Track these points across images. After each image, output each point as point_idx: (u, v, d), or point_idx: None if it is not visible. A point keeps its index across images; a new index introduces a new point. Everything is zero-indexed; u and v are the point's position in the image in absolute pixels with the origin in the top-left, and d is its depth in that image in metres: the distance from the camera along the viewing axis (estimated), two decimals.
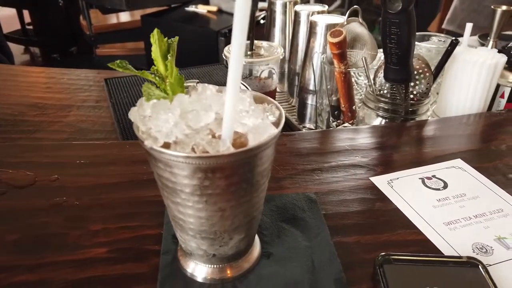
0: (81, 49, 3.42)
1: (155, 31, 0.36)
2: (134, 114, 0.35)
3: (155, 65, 0.37)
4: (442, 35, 1.00)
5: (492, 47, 1.03)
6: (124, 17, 2.88)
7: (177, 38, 0.38)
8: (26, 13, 3.50)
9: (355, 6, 0.85)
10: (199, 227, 0.37)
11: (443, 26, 2.03)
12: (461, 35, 0.89)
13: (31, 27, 3.57)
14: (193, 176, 0.33)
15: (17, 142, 0.82)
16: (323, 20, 0.93)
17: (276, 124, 0.36)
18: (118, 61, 0.36)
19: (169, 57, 0.37)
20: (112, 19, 2.89)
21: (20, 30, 3.57)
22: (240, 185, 0.35)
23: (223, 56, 0.90)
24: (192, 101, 0.36)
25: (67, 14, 3.25)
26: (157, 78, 0.37)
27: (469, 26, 0.77)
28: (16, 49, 3.69)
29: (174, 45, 0.37)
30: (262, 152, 0.34)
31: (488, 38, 1.04)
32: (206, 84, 0.39)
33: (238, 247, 0.40)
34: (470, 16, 1.89)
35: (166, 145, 0.33)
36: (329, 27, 0.91)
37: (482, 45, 1.27)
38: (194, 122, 0.34)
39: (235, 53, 0.30)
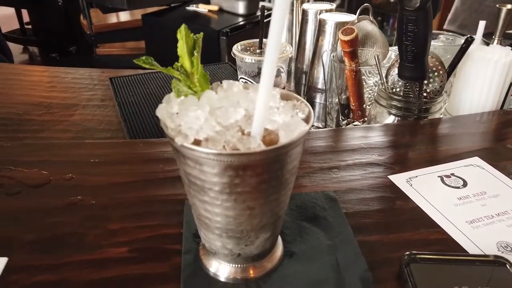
0: (80, 49, 3.41)
1: (183, 26, 0.35)
2: (162, 111, 0.34)
3: (178, 62, 0.37)
4: (450, 33, 1.00)
5: None
6: (125, 16, 2.87)
7: (201, 34, 0.37)
8: (25, 12, 3.49)
9: (366, 5, 0.84)
10: (226, 226, 0.36)
11: (445, 27, 2.02)
12: (463, 35, 0.88)
13: (29, 26, 3.56)
14: (224, 173, 0.32)
15: (23, 141, 0.81)
16: (333, 18, 0.92)
17: (306, 121, 0.35)
18: (144, 57, 0.36)
19: (195, 53, 0.36)
20: (113, 18, 2.88)
21: (18, 30, 3.55)
22: (270, 182, 0.34)
23: (232, 55, 0.89)
24: (220, 98, 0.35)
25: (66, 14, 3.24)
26: (182, 74, 0.37)
27: (482, 23, 0.76)
28: (14, 48, 3.67)
29: (199, 41, 0.36)
30: (292, 150, 0.33)
31: (493, 37, 1.04)
32: (231, 81, 0.38)
33: (263, 246, 0.40)
34: (471, 17, 1.89)
35: (196, 143, 0.32)
36: (339, 25, 0.90)
37: (487, 44, 1.27)
38: (223, 119, 0.33)
39: (271, 47, 0.30)
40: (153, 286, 0.41)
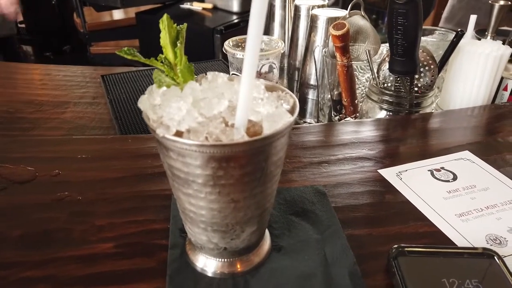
0: (74, 48, 3.39)
1: (165, 16, 0.35)
2: (144, 102, 0.34)
3: (162, 53, 0.36)
4: (443, 29, 1.00)
5: None
6: (118, 14, 2.85)
7: (185, 25, 0.37)
8: None
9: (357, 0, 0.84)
10: (211, 219, 0.36)
11: (440, 25, 2.02)
12: None
13: (23, 25, 3.53)
14: (207, 165, 0.32)
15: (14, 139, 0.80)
16: (324, 13, 0.92)
17: (290, 112, 0.35)
18: (125, 48, 0.35)
19: (178, 44, 0.35)
20: (106, 16, 2.86)
21: None
22: (254, 175, 0.34)
23: (224, 51, 0.89)
24: (204, 89, 0.35)
25: (60, 13, 3.22)
26: (165, 66, 0.36)
27: (473, 18, 0.76)
28: None
29: (183, 32, 0.36)
30: (277, 141, 0.33)
31: (486, 33, 1.04)
32: (216, 72, 0.37)
33: (249, 240, 0.39)
34: (469, 14, 1.89)
35: (178, 134, 0.32)
36: (331, 20, 0.90)
37: (479, 40, 1.27)
38: (207, 110, 0.33)
39: (252, 38, 0.29)
40: (140, 282, 0.40)
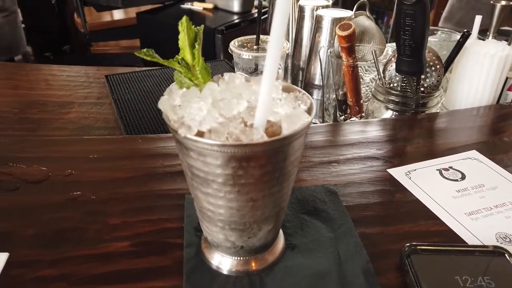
0: (74, 48, 3.39)
1: (184, 18, 0.35)
2: (164, 103, 0.34)
3: (179, 54, 0.37)
4: (446, 29, 1.00)
5: None
6: (119, 14, 2.85)
7: (202, 26, 0.37)
8: None
9: (362, 0, 0.85)
10: (229, 218, 0.37)
11: (440, 25, 2.03)
12: (459, 33, 0.89)
13: (23, 25, 3.52)
14: (227, 165, 0.32)
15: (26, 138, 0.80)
16: (330, 14, 0.92)
17: (308, 112, 0.35)
18: (145, 50, 0.36)
19: (196, 46, 0.36)
20: (107, 16, 2.86)
21: None
22: (273, 174, 0.34)
23: (229, 51, 0.89)
24: (223, 90, 0.35)
25: (60, 12, 3.21)
26: (183, 67, 0.37)
27: (478, 18, 0.77)
28: None
29: (200, 34, 0.37)
30: (295, 141, 0.34)
31: (488, 33, 1.05)
32: (233, 73, 0.38)
33: (266, 239, 0.40)
34: (469, 14, 1.90)
35: (199, 134, 0.32)
36: (336, 21, 0.91)
37: (482, 41, 1.28)
38: (226, 111, 0.33)
39: (273, 42, 0.30)
40: (156, 280, 0.41)
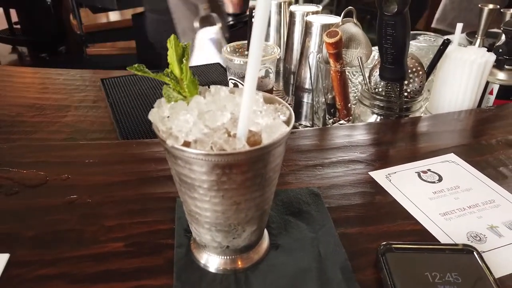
0: (70, 49, 3.40)
1: (172, 37, 0.38)
2: (154, 115, 0.37)
3: (168, 68, 0.40)
4: (432, 33, 1.03)
5: (479, 45, 1.07)
6: (115, 16, 2.87)
7: (189, 42, 0.40)
8: (13, 12, 3.47)
9: (349, 7, 0.88)
10: (215, 220, 0.39)
11: (433, 25, 2.05)
12: (452, 33, 0.92)
13: (18, 26, 3.54)
14: (212, 172, 0.35)
15: (16, 143, 0.83)
16: (319, 20, 0.95)
17: (286, 123, 0.38)
18: (136, 65, 0.39)
19: (184, 61, 0.39)
20: (103, 18, 2.89)
21: (7, 30, 3.53)
22: (254, 180, 0.37)
23: (221, 56, 0.92)
24: (208, 102, 0.38)
25: (55, 13, 3.23)
26: (172, 80, 0.40)
27: (459, 26, 0.80)
28: (3, 48, 3.65)
29: (188, 50, 0.39)
30: (275, 149, 0.37)
31: (476, 35, 1.08)
32: (218, 86, 0.41)
33: (250, 239, 0.43)
34: (461, 15, 1.92)
35: (186, 144, 0.35)
36: (324, 27, 0.93)
37: (470, 42, 1.31)
38: (211, 122, 0.36)
39: (253, 56, 0.33)
40: (149, 278, 0.44)
